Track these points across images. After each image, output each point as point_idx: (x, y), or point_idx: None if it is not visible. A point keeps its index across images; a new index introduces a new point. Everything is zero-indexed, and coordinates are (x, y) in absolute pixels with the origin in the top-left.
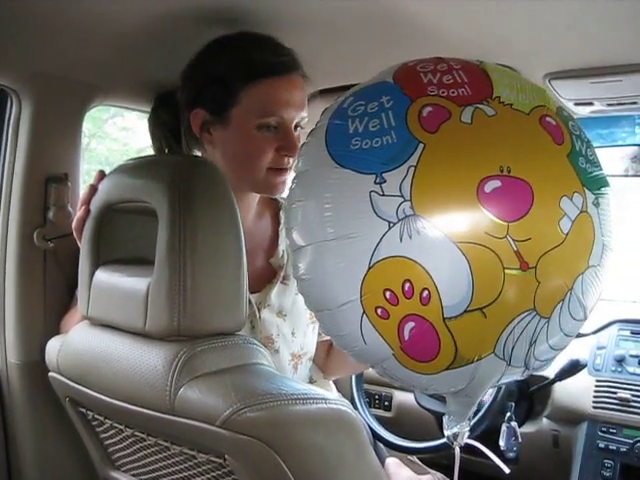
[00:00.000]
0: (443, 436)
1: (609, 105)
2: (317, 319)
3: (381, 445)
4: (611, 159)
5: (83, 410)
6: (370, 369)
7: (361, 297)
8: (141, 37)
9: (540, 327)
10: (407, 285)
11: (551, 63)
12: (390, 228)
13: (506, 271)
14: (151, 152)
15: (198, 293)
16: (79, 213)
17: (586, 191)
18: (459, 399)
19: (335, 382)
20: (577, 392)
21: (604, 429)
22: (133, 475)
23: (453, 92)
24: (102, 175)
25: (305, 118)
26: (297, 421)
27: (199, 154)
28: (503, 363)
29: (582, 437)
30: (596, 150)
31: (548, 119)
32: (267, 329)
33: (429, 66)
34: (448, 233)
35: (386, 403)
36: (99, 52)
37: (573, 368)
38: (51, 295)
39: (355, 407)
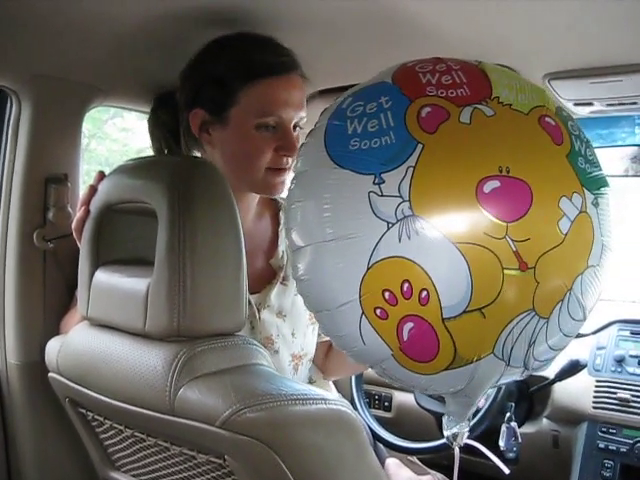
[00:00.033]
0: (443, 436)
1: (609, 105)
2: (316, 320)
3: (381, 445)
4: (611, 159)
5: (83, 410)
6: (370, 369)
7: (360, 297)
8: (141, 38)
9: (539, 327)
10: (406, 285)
11: (551, 63)
12: (389, 228)
13: (505, 271)
14: (151, 153)
15: (198, 294)
16: (79, 214)
17: (585, 191)
18: (458, 399)
19: (335, 382)
20: (577, 392)
21: (604, 429)
22: (133, 476)
23: (452, 92)
24: (102, 176)
25: (304, 118)
26: (297, 421)
27: (198, 155)
28: (502, 363)
29: (582, 437)
30: (596, 150)
31: (547, 119)
32: (267, 330)
33: (428, 66)
34: (447, 233)
35: (386, 403)
36: (99, 53)
37: (573, 368)
38: (51, 296)
39: (355, 407)
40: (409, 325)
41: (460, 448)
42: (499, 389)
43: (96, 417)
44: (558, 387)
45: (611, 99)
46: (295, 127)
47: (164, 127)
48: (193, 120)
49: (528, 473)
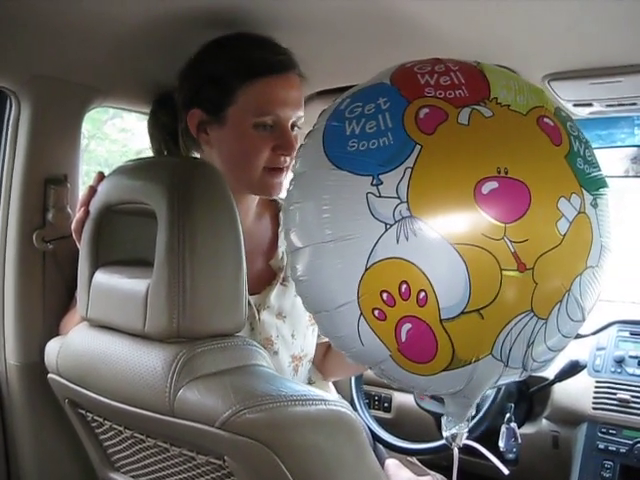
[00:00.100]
0: (442, 437)
1: (608, 106)
2: (315, 320)
3: (381, 446)
4: (611, 160)
5: (82, 411)
6: (369, 370)
7: (358, 298)
8: (140, 38)
9: (538, 328)
10: (404, 286)
11: (550, 64)
12: (387, 230)
13: (503, 272)
14: (150, 153)
15: (197, 294)
16: (78, 214)
17: (584, 192)
18: (457, 400)
19: (334, 383)
20: (577, 393)
21: (604, 430)
22: (132, 477)
23: (450, 93)
24: (101, 176)
25: (302, 118)
26: (296, 422)
27: (198, 156)
28: (501, 364)
29: (582, 438)
30: (595, 151)
31: (546, 120)
32: (266, 331)
33: (426, 67)
34: (445, 234)
35: (386, 404)
36: (98, 54)
37: (573, 369)
38: (50, 296)
39: (355, 408)
40: (407, 326)
41: (459, 449)
42: (499, 390)
43: (96, 418)
44: (558, 388)
45: (610, 100)
46: (293, 127)
47: (163, 129)
48: (191, 120)
49: (528, 474)
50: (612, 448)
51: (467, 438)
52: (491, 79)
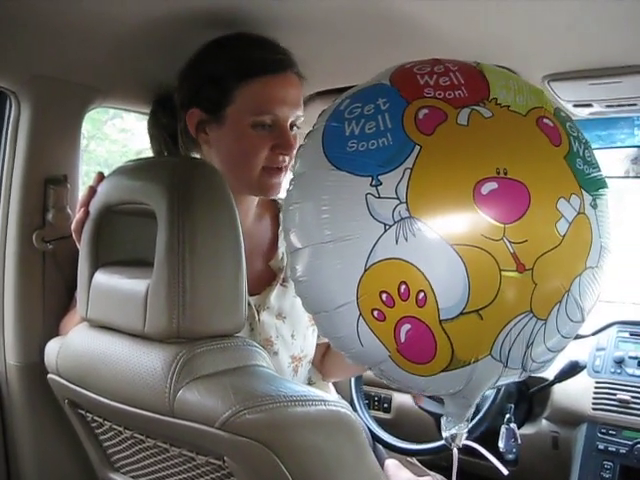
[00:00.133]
0: (442, 438)
1: (608, 107)
2: (314, 321)
3: (380, 447)
4: (611, 161)
5: (82, 412)
6: (369, 371)
7: (357, 299)
8: (140, 39)
9: (537, 329)
10: (403, 287)
11: (550, 64)
12: (386, 230)
13: (503, 273)
14: (150, 154)
15: (197, 295)
16: (78, 215)
17: (583, 192)
18: (456, 401)
19: (334, 384)
20: (576, 394)
21: (603, 431)
22: (132, 477)
23: (449, 94)
24: (101, 177)
25: (301, 117)
26: (296, 423)
27: (197, 156)
28: (500, 365)
29: (581, 439)
30: (595, 152)
31: (545, 120)
32: (266, 331)
33: (426, 68)
34: (444, 235)
35: (385, 405)
36: (98, 54)
37: (572, 370)
38: (50, 297)
39: (354, 409)
40: (406, 327)
41: (459, 449)
42: (498, 390)
43: (95, 418)
44: (558, 388)
45: (610, 100)
46: (292, 126)
47: (163, 129)
48: (190, 120)
49: (527, 474)
50: (612, 449)
51: (467, 438)
52: (491, 79)
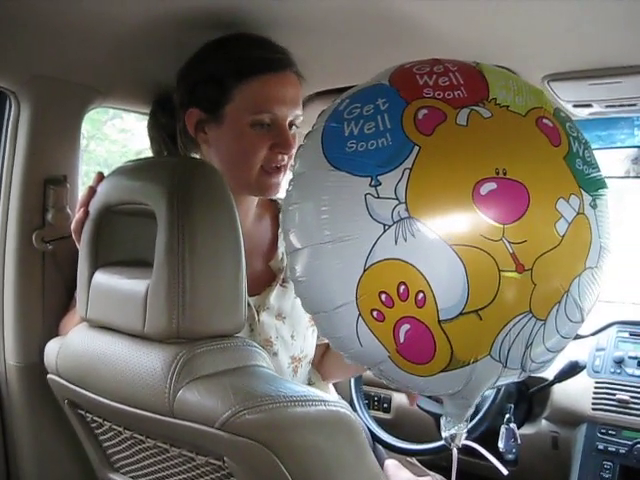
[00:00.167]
0: (442, 438)
1: (608, 107)
2: (313, 321)
3: (380, 447)
4: (612, 161)
5: (82, 412)
6: (368, 371)
7: (357, 299)
8: (140, 39)
9: (536, 329)
10: (402, 287)
11: (550, 65)
12: (385, 231)
13: (502, 273)
14: (150, 154)
15: (197, 295)
16: (78, 215)
17: (583, 193)
18: (456, 401)
19: (334, 384)
20: (576, 394)
21: (603, 431)
22: (132, 477)
23: (449, 94)
24: (101, 177)
25: (300, 116)
26: (296, 423)
27: (196, 156)
28: (499, 365)
29: (581, 439)
30: (596, 152)
31: (545, 121)
32: (266, 332)
33: (425, 68)
34: (443, 236)
35: (385, 405)
36: (98, 54)
37: (572, 370)
38: (50, 297)
39: (354, 409)
40: (405, 327)
41: (459, 449)
42: (498, 390)
43: (95, 418)
44: (557, 388)
45: (610, 101)
46: (291, 126)
47: (163, 130)
48: (189, 119)
49: (527, 474)
50: (612, 449)
51: (467, 438)
52: (490, 80)
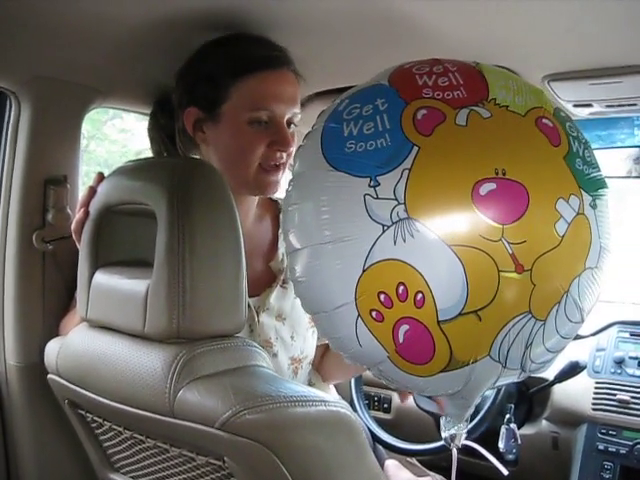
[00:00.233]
0: (442, 438)
1: (608, 107)
2: (313, 321)
3: (380, 447)
4: (614, 161)
5: (82, 412)
6: (368, 371)
7: (356, 300)
8: (140, 40)
9: (536, 330)
10: (401, 288)
11: (550, 65)
12: (384, 231)
13: (501, 274)
14: (150, 154)
15: (197, 295)
16: (78, 215)
17: (583, 193)
18: (456, 401)
19: (334, 384)
20: (576, 394)
21: (604, 431)
22: (132, 477)
23: (448, 94)
24: (101, 177)
25: (298, 114)
26: (296, 423)
27: (196, 156)
28: (499, 366)
29: (582, 439)
30: (598, 152)
31: (544, 121)
32: (266, 333)
33: (425, 68)
34: (442, 236)
35: (385, 405)
36: (98, 54)
37: (572, 370)
38: (50, 297)
39: (354, 409)
40: (405, 327)
41: (459, 450)
42: (498, 391)
43: (95, 419)
44: (558, 389)
45: (610, 100)
46: (290, 124)
47: (163, 131)
48: (187, 119)
49: (527, 475)
50: (612, 449)
51: (467, 439)
52: (490, 80)
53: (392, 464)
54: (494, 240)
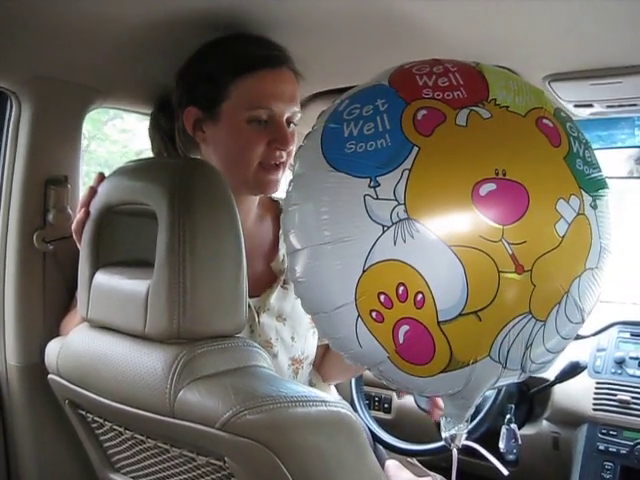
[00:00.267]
0: (442, 438)
1: (609, 107)
2: (313, 322)
3: (381, 447)
4: (615, 161)
5: (82, 412)
6: (368, 371)
7: (356, 300)
8: (140, 40)
9: (536, 330)
10: (401, 288)
11: (551, 65)
12: (384, 232)
13: (501, 274)
14: (150, 154)
15: (198, 295)
16: (79, 215)
17: (583, 193)
18: (456, 402)
19: (335, 384)
20: (577, 394)
21: (604, 431)
22: (132, 477)
23: (448, 95)
24: (102, 177)
25: (298, 113)
26: (297, 424)
27: (196, 157)
28: (499, 366)
29: (582, 439)
30: (599, 152)
31: (545, 121)
32: (266, 333)
33: (425, 68)
34: (442, 237)
35: (386, 405)
36: (99, 55)
37: (573, 370)
38: (51, 297)
39: (355, 409)
40: (405, 328)
41: (460, 450)
42: (499, 391)
43: (96, 419)
44: (558, 389)
45: (611, 101)
46: (289, 123)
47: (164, 132)
48: (187, 118)
49: (528, 475)
50: (612, 449)
51: (467, 439)
52: (490, 80)
53: (392, 464)
54: (494, 241)
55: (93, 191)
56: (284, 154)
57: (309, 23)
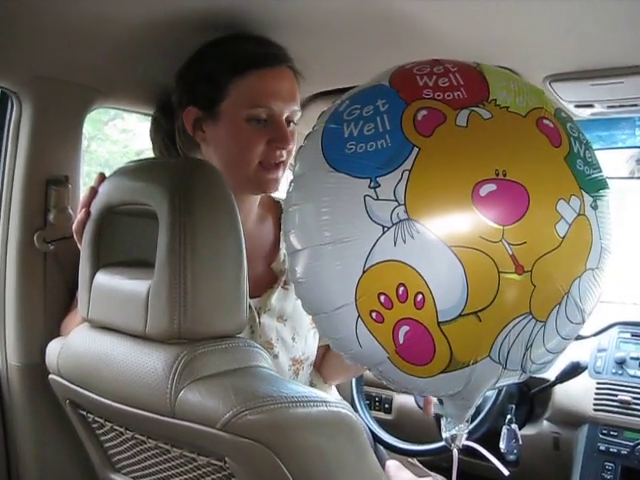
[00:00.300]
0: (443, 438)
1: (610, 107)
2: (314, 322)
3: (381, 448)
4: (616, 161)
5: (83, 412)
6: (368, 371)
7: (356, 301)
8: (140, 40)
9: (536, 331)
10: (401, 289)
11: (551, 65)
12: (384, 232)
13: (501, 275)
14: (151, 154)
15: (198, 295)
16: (79, 215)
17: (584, 194)
18: (456, 402)
19: (335, 385)
20: (578, 394)
21: (605, 432)
22: (133, 478)
23: (449, 95)
24: (102, 177)
25: (298, 112)
26: (298, 424)
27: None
28: (499, 367)
29: (583, 440)
30: (600, 152)
31: (545, 121)
32: (266, 334)
33: (425, 69)
34: (442, 237)
35: (386, 405)
36: (99, 55)
37: (574, 370)
38: (51, 297)
39: (355, 410)
40: (405, 328)
41: (460, 450)
42: (499, 391)
43: (96, 419)
44: (559, 389)
45: (612, 101)
46: (289, 122)
47: (165, 134)
48: (187, 118)
49: (528, 475)
50: (613, 450)
51: (468, 439)
52: (490, 80)
53: (393, 464)
54: (494, 241)
55: (94, 191)
56: (284, 153)
57: (309, 23)
